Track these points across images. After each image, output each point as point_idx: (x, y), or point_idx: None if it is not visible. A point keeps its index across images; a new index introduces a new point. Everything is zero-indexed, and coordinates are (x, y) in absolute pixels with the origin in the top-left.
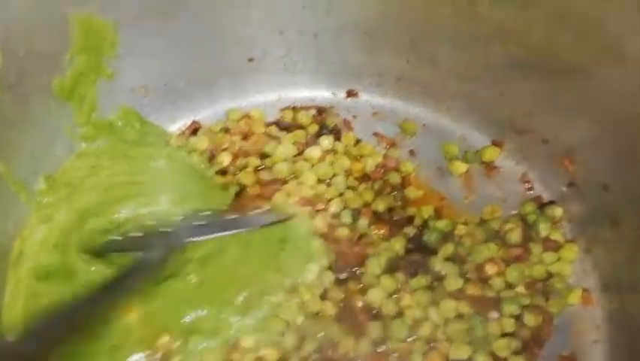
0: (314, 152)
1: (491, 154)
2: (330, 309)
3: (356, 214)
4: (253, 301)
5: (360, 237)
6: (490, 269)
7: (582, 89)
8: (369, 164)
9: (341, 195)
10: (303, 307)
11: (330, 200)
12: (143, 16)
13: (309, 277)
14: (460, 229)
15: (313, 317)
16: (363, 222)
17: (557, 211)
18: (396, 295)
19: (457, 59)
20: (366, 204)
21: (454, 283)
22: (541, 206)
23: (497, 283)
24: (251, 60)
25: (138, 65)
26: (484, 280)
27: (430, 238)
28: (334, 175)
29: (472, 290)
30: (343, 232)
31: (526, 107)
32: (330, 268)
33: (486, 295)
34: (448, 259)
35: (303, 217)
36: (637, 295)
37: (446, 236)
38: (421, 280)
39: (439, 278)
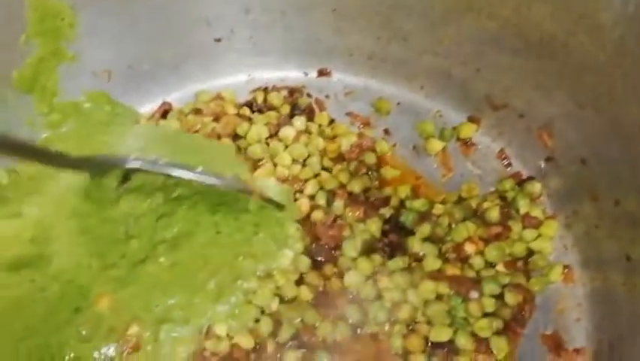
0: (288, 132)
1: (467, 131)
2: (306, 294)
3: (331, 196)
4: (225, 288)
5: (336, 219)
6: (469, 248)
7: (558, 61)
8: (344, 144)
9: (316, 176)
10: (279, 293)
11: (305, 181)
12: None
13: (284, 262)
14: (438, 209)
15: (289, 302)
16: (338, 203)
17: (536, 187)
18: (373, 278)
19: (429, 35)
20: (342, 186)
21: (432, 263)
22: (520, 182)
23: (477, 262)
24: (218, 40)
25: (100, 46)
26: (463, 260)
27: (407, 218)
28: (309, 156)
29: (452, 270)
30: (318, 215)
31: (503, 81)
32: (305, 252)
33: (465, 275)
34: (425, 239)
35: (289, 201)
36: (618, 271)
37: (423, 216)
38: (399, 262)
39: (418, 259)
